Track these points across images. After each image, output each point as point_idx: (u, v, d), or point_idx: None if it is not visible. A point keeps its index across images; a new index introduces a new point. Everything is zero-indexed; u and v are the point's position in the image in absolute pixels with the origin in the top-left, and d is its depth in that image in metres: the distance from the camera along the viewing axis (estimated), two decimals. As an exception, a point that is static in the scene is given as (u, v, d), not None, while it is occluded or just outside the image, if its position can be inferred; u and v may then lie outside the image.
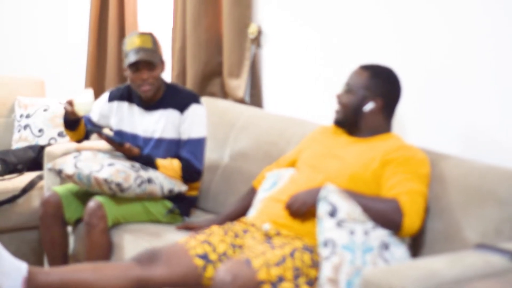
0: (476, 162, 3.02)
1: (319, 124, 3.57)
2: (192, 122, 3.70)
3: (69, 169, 3.56)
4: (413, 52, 3.43)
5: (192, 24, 4.28)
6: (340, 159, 3.10)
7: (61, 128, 4.45)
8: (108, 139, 3.59)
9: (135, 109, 3.79)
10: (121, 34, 4.81)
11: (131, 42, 3.68)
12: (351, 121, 3.15)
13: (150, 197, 3.63)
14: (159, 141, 3.72)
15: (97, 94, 4.87)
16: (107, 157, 3.61)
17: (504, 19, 3.10)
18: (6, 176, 4.28)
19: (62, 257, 3.76)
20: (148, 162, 3.64)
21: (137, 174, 3.53)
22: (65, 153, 4.00)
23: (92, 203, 3.53)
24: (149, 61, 3.64)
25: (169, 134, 3.72)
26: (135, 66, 3.66)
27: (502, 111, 3.12)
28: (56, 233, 3.72)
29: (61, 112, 4.45)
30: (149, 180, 3.56)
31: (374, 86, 3.12)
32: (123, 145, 3.60)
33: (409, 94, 3.31)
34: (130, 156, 3.64)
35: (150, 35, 3.70)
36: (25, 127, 4.47)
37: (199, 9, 4.26)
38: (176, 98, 3.73)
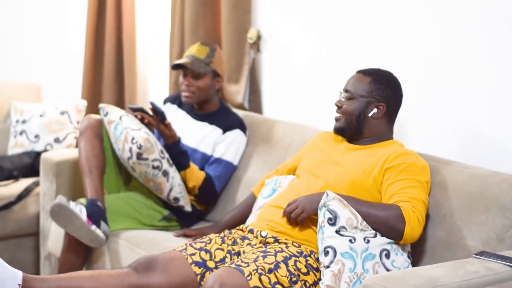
0: (478, 168, 2.99)
1: (319, 130, 3.54)
2: (229, 145, 3.75)
3: (113, 116, 3.57)
4: (415, 57, 3.41)
5: (191, 29, 4.26)
6: (341, 166, 3.06)
7: (57, 134, 4.42)
8: (153, 109, 3.58)
9: (183, 114, 3.86)
10: (119, 40, 4.78)
11: (189, 49, 3.81)
12: (353, 129, 3.09)
13: (155, 189, 3.56)
14: (193, 151, 3.75)
15: (93, 99, 4.85)
16: (149, 132, 3.58)
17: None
18: (2, 183, 4.25)
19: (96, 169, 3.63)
20: (181, 155, 3.63)
21: (160, 157, 3.50)
22: (62, 160, 3.97)
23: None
24: (192, 70, 3.72)
25: (204, 148, 3.76)
26: (184, 72, 3.77)
27: (506, 117, 3.10)
28: (96, 146, 3.62)
29: (58, 118, 4.43)
30: (165, 173, 3.52)
31: (377, 91, 3.06)
32: (165, 120, 3.61)
33: (411, 100, 3.28)
34: (168, 136, 3.62)
35: (210, 48, 3.78)
36: (21, 132, 4.44)
37: (197, 13, 4.23)
38: (225, 118, 3.80)
